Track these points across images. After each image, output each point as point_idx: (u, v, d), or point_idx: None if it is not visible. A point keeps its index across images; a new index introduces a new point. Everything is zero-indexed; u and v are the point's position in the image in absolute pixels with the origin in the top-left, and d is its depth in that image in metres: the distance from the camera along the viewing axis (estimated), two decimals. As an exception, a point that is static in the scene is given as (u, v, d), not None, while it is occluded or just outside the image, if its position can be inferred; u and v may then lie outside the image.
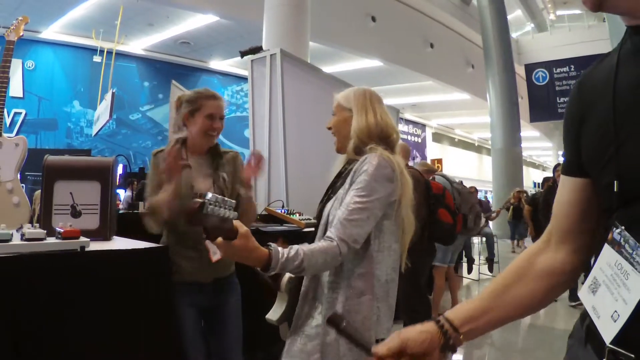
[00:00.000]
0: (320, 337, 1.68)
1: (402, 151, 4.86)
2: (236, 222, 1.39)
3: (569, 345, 1.02)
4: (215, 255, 2.16)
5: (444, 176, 5.54)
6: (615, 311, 0.84)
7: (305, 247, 1.54)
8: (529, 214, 7.59)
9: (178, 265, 2.24)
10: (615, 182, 0.87)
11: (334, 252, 1.57)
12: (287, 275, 1.80)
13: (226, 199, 1.30)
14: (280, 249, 1.50)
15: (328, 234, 1.63)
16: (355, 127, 1.83)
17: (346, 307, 1.67)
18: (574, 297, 6.19)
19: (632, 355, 0.79)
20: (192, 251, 2.26)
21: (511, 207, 11.99)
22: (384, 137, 1.84)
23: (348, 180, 1.75)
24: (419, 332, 1.01)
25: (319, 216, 1.86)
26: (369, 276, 1.70)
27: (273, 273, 1.50)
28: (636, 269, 0.81)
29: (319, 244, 1.59)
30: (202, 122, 2.30)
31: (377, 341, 1.66)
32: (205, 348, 2.35)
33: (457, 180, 5.90)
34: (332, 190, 1.87)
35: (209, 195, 1.25)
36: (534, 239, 7.10)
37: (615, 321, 0.83)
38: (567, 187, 1.05)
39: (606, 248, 0.90)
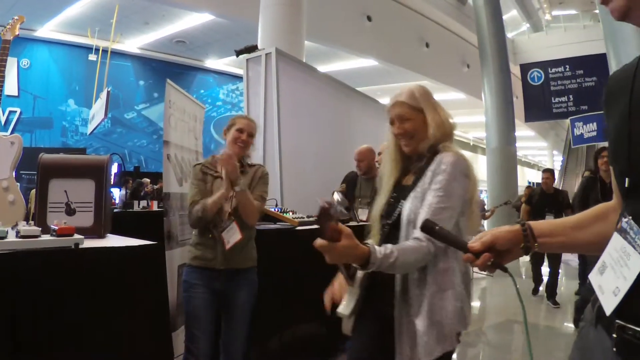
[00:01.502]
0: (414, 335, 1.75)
1: None
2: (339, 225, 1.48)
3: (580, 327, 1.12)
4: (229, 244, 2.72)
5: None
6: (617, 287, 0.94)
7: (398, 246, 1.63)
8: (527, 214, 7.01)
9: (201, 253, 2.81)
10: (626, 178, 0.97)
11: (424, 251, 1.66)
12: (361, 272, 1.86)
13: (344, 200, 1.45)
14: (377, 247, 1.58)
15: (415, 234, 1.70)
16: (433, 125, 1.87)
17: (433, 302, 1.75)
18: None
19: (639, 329, 0.88)
20: (211, 241, 2.79)
21: (522, 205, 11.44)
22: (450, 133, 1.92)
23: (427, 179, 1.80)
24: (507, 231, 1.22)
25: (388, 215, 1.92)
26: (451, 271, 1.78)
27: (371, 270, 1.59)
28: (637, 250, 0.91)
29: (409, 243, 1.67)
30: (233, 134, 2.93)
31: (458, 335, 1.80)
32: (210, 331, 2.78)
33: None
34: (400, 189, 1.94)
35: (338, 196, 1.38)
36: None
37: (615, 295, 0.94)
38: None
39: (615, 235, 1.01)
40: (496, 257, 1.20)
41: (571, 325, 5.36)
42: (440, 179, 1.74)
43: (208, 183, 2.88)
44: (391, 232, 1.87)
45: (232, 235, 2.74)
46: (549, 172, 7.04)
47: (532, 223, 1.22)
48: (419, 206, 1.77)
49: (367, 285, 1.91)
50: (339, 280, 1.98)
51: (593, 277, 1.04)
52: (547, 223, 1.24)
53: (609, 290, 0.96)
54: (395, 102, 1.95)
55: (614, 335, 0.93)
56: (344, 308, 1.91)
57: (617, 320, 0.93)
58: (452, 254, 1.77)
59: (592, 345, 1.03)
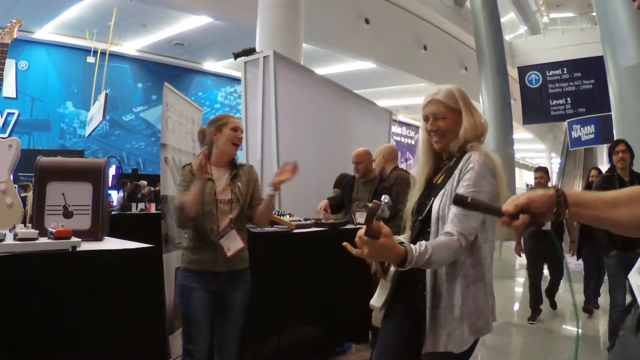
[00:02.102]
0: (445, 326, 1.82)
1: (389, 152, 4.87)
2: (379, 223, 1.52)
3: (620, 335, 1.10)
4: (229, 251, 2.69)
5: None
6: None
7: (432, 243, 1.67)
8: None
9: (198, 257, 2.73)
10: None
11: (456, 245, 1.70)
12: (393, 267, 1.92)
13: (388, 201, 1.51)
14: (412, 246, 1.62)
15: (447, 229, 1.75)
16: (467, 127, 1.93)
17: (464, 296, 1.81)
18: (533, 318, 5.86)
19: None
20: (210, 246, 2.71)
21: None
22: (481, 135, 1.97)
23: (455, 178, 1.85)
24: (542, 194, 1.21)
25: (419, 211, 1.97)
26: (480, 265, 1.84)
27: (408, 268, 1.62)
28: None
29: (441, 239, 1.71)
30: (228, 133, 2.81)
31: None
32: (209, 333, 2.75)
33: None
34: (432, 187, 1.99)
35: (386, 199, 1.41)
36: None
37: None
38: None
39: None
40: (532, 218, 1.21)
41: (569, 327, 5.37)
42: (468, 176, 1.80)
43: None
44: (422, 228, 1.93)
45: (232, 243, 2.71)
46: (541, 171, 6.14)
47: (567, 191, 1.22)
48: (447, 203, 1.83)
49: (398, 279, 1.98)
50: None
51: (633, 277, 1.04)
52: (582, 193, 1.23)
53: None
54: (432, 100, 2.00)
55: None
56: (376, 300, 2.00)
57: None
58: (480, 250, 1.84)
59: (633, 353, 1.02)
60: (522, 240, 5.93)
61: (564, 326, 5.14)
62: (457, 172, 1.85)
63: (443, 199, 1.85)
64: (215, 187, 2.76)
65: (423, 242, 1.65)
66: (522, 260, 10.52)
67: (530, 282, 6.02)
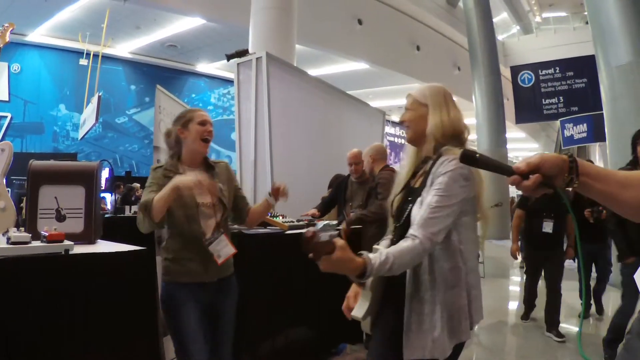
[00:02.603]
0: (429, 332, 1.80)
1: (377, 152, 4.88)
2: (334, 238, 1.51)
3: (626, 339, 1.08)
4: (220, 258, 2.47)
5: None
6: None
7: (393, 250, 1.66)
8: (520, 220, 5.62)
9: (186, 268, 2.45)
10: None
11: (419, 249, 1.69)
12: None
13: (329, 222, 1.49)
14: (371, 256, 1.61)
15: (411, 231, 1.73)
16: (432, 124, 1.92)
17: (445, 300, 1.80)
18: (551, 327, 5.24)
19: None
20: (198, 255, 2.45)
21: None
22: (456, 135, 1.94)
23: (428, 183, 1.84)
24: (556, 157, 1.17)
25: (398, 216, 1.96)
26: (457, 269, 1.83)
27: (367, 279, 1.63)
28: None
29: (403, 244, 1.70)
30: (196, 129, 2.54)
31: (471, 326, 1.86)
32: (206, 345, 2.50)
33: None
34: (408, 189, 1.98)
35: (320, 225, 1.39)
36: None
37: None
38: None
39: None
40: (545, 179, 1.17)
41: (565, 326, 5.38)
42: (440, 180, 1.78)
43: None
44: (402, 234, 1.89)
45: (223, 249, 2.50)
46: None
47: (580, 160, 1.19)
48: (419, 208, 1.82)
49: (385, 284, 1.97)
50: (354, 285, 2.02)
51: (638, 278, 1.00)
52: (594, 166, 1.20)
53: None
54: (408, 94, 2.06)
55: None
56: (358, 310, 1.97)
57: None
58: (458, 254, 1.83)
59: None
60: (519, 243, 5.82)
61: (560, 325, 5.15)
62: (430, 176, 1.84)
63: (420, 206, 1.83)
64: (196, 193, 2.49)
65: (384, 251, 1.64)
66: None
67: (526, 279, 5.76)
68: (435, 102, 1.96)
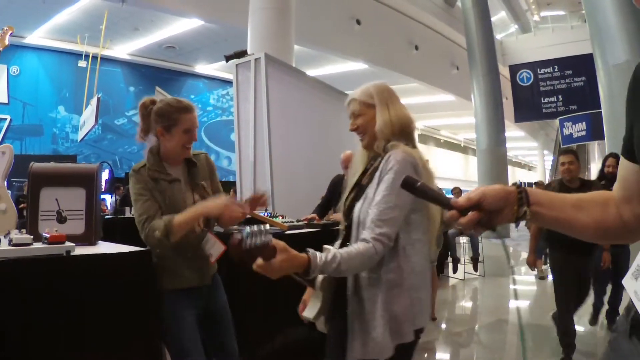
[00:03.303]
0: (369, 332, 1.76)
1: None
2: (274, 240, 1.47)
3: (612, 337, 1.05)
4: (212, 257, 2.35)
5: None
6: None
7: (342, 251, 1.64)
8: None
9: (180, 274, 2.29)
10: None
11: (371, 252, 1.66)
12: (320, 275, 1.86)
13: (262, 227, 1.42)
14: (318, 253, 1.59)
15: (363, 235, 1.71)
16: (380, 122, 1.89)
17: (386, 300, 1.76)
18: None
19: None
20: (192, 260, 2.33)
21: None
22: (403, 130, 1.91)
23: (375, 180, 1.81)
24: (499, 189, 1.08)
25: (347, 214, 1.92)
26: (401, 269, 1.78)
27: (313, 277, 1.60)
28: None
29: (355, 246, 1.68)
30: (179, 137, 2.30)
31: (417, 331, 1.81)
32: (204, 350, 2.36)
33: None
34: (359, 188, 1.93)
35: (247, 229, 1.35)
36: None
37: None
38: (623, 166, 1.12)
39: None
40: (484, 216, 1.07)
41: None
42: (387, 177, 1.75)
43: (164, 191, 2.29)
44: (349, 233, 1.89)
45: (213, 247, 2.35)
46: (571, 155, 4.26)
47: (529, 188, 1.11)
48: (367, 207, 1.79)
49: (335, 286, 1.92)
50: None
51: (627, 282, 0.98)
52: (546, 193, 1.13)
53: None
54: (351, 100, 2.00)
55: None
56: (308, 311, 1.96)
57: None
58: (402, 253, 1.79)
59: (626, 357, 0.97)
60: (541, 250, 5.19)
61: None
62: (377, 174, 1.81)
63: (364, 204, 1.82)
64: (182, 193, 2.35)
65: (332, 250, 1.62)
66: (516, 257, 10.58)
67: (558, 309, 4.32)
68: (381, 99, 1.94)
